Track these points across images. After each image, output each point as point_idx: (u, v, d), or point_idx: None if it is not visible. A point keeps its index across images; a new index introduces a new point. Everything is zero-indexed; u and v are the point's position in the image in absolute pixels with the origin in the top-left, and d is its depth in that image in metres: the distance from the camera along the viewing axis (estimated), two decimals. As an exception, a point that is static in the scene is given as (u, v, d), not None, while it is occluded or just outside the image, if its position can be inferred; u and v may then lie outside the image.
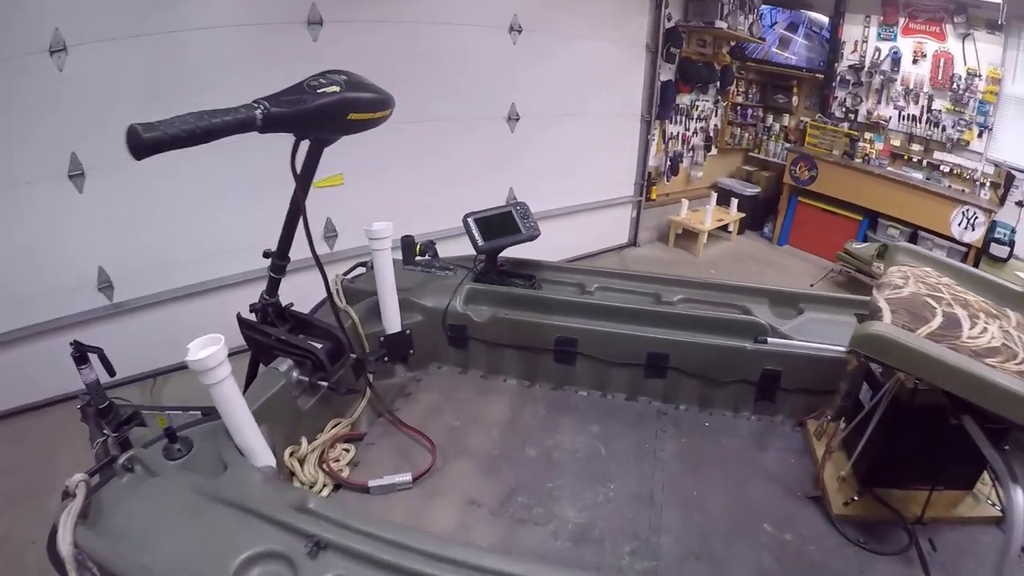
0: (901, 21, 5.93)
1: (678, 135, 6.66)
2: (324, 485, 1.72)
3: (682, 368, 2.09)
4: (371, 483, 1.72)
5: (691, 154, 6.91)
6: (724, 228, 6.87)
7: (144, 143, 1.14)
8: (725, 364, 2.05)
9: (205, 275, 4.17)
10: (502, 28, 4.80)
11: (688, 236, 6.61)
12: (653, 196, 6.61)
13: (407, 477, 1.74)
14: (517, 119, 5.19)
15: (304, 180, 1.64)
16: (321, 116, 1.36)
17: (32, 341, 3.75)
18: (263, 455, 1.51)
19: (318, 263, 1.75)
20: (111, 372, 2.03)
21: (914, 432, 1.54)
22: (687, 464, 1.84)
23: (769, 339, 2.00)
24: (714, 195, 6.78)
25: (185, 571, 1.16)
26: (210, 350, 1.33)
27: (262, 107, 1.28)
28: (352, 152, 4.46)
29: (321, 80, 1.38)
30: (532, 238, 2.35)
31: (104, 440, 1.76)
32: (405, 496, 1.72)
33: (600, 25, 5.38)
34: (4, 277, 3.62)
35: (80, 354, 1.89)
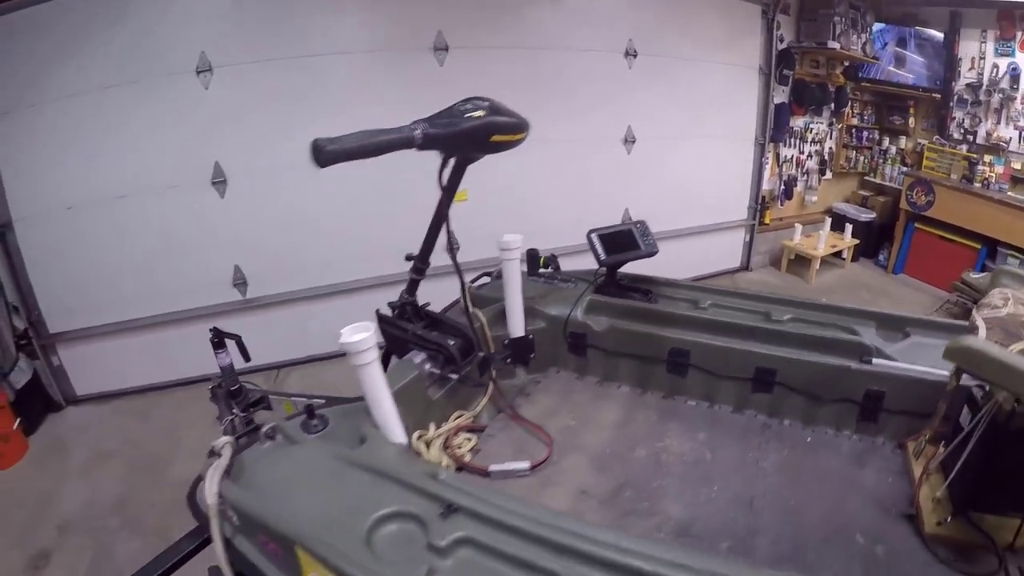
0: (1019, 35, 5.60)
1: (792, 158, 6.59)
2: (447, 466, 1.80)
3: (788, 384, 2.14)
4: (491, 467, 1.83)
5: (805, 178, 6.81)
6: (838, 254, 6.70)
7: (327, 154, 1.34)
8: (830, 382, 2.07)
9: (332, 279, 4.45)
10: (618, 53, 4.95)
11: (801, 262, 6.50)
12: (767, 220, 6.56)
13: (525, 465, 1.86)
14: (633, 141, 5.32)
15: (449, 193, 1.86)
16: (469, 137, 1.55)
17: (170, 327, 4.13)
18: (397, 433, 1.63)
19: (457, 269, 1.96)
20: (247, 358, 2.23)
21: (1011, 457, 1.52)
22: (787, 475, 1.89)
23: (874, 360, 2.03)
24: (828, 220, 6.63)
25: (325, 521, 1.28)
26: (362, 335, 1.50)
27: (422, 127, 1.47)
28: (476, 170, 4.71)
29: (468, 105, 1.58)
30: (651, 254, 2.48)
31: (232, 419, 1.96)
32: (521, 483, 1.84)
33: (712, 48, 5.45)
34: (151, 269, 4.04)
35: (218, 339, 2.07)
